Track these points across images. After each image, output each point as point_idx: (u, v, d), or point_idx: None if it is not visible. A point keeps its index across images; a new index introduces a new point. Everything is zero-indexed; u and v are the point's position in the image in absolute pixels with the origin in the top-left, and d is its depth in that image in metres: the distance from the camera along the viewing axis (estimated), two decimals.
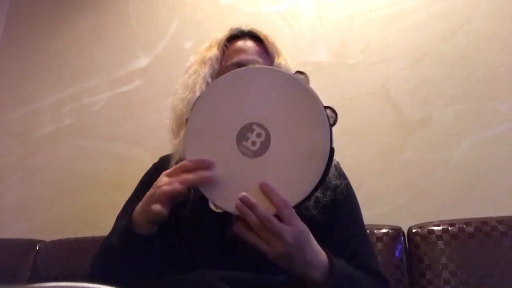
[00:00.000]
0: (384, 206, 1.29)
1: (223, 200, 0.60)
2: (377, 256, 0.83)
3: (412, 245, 1.10)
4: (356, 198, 0.86)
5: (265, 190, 0.58)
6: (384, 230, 1.13)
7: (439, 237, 1.06)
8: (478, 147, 1.24)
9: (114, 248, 0.71)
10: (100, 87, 1.94)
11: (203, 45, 0.91)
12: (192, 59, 0.90)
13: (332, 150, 0.58)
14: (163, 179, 0.64)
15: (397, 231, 1.13)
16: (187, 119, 0.65)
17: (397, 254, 1.09)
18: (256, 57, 0.85)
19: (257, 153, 0.60)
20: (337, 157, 0.88)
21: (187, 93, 0.84)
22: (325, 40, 1.54)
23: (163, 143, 0.90)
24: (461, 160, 1.24)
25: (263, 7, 1.70)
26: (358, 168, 1.30)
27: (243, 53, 0.85)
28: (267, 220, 0.56)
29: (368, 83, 1.42)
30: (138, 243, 0.68)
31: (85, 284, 0.34)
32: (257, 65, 0.67)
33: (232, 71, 0.65)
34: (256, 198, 0.57)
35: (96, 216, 1.67)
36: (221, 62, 0.86)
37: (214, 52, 0.86)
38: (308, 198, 0.59)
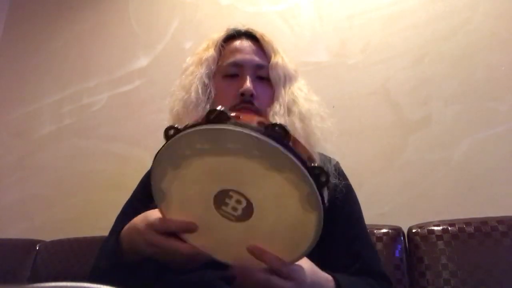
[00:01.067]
0: (384, 206, 1.29)
1: (220, 258, 0.59)
2: (379, 257, 0.82)
3: (412, 245, 1.10)
4: (357, 199, 0.86)
5: (255, 254, 0.55)
6: (384, 230, 1.13)
7: (439, 237, 1.06)
8: (478, 147, 1.24)
9: (104, 271, 0.71)
10: (100, 87, 1.94)
11: (200, 46, 0.91)
12: (189, 60, 0.90)
13: (325, 208, 0.51)
14: (152, 238, 0.60)
15: (397, 231, 1.13)
16: (149, 173, 0.57)
17: (397, 254, 1.09)
18: (252, 57, 0.84)
19: (241, 218, 0.54)
20: (337, 157, 0.88)
21: (183, 93, 0.84)
22: (325, 40, 1.54)
23: (163, 143, 0.90)
24: (461, 160, 1.24)
25: (263, 7, 1.70)
26: (358, 168, 1.30)
27: (239, 53, 0.85)
28: (267, 282, 0.54)
29: (368, 83, 1.42)
30: (128, 266, 0.66)
31: (85, 284, 0.34)
32: (222, 126, 0.49)
33: (194, 130, 0.51)
34: (249, 258, 0.55)
35: (96, 216, 1.66)
36: (217, 62, 0.86)
37: (211, 52, 0.86)
38: (306, 254, 0.56)
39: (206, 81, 0.84)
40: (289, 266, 0.55)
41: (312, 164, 0.49)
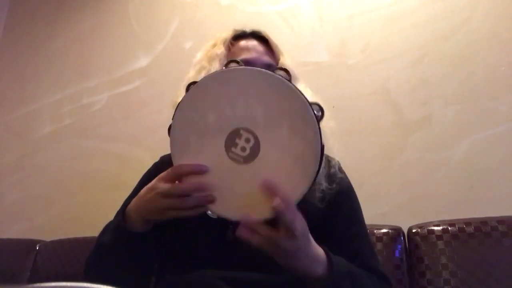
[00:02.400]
0: (384, 206, 1.29)
1: (220, 208, 0.60)
2: (378, 256, 0.83)
3: (412, 245, 1.10)
4: (357, 198, 0.86)
5: (269, 187, 0.56)
6: (384, 230, 1.13)
7: (439, 237, 1.06)
8: (478, 147, 1.24)
9: (107, 245, 0.71)
10: (100, 87, 1.94)
11: (207, 44, 0.91)
12: (199, 56, 0.90)
13: (322, 147, 0.57)
14: (161, 186, 0.62)
15: (397, 231, 1.13)
16: (169, 128, 0.63)
17: (397, 254, 1.09)
18: (261, 55, 0.85)
19: (248, 159, 0.58)
20: (337, 157, 0.88)
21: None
22: (325, 40, 1.54)
23: (163, 143, 0.89)
24: (461, 160, 1.24)
25: (263, 7, 1.70)
26: (358, 168, 1.30)
27: (248, 52, 0.86)
28: (290, 203, 0.55)
29: (368, 83, 1.42)
30: (131, 241, 0.68)
31: (85, 284, 0.34)
32: (236, 66, 0.61)
33: (208, 75, 0.62)
34: (254, 202, 0.56)
35: (96, 216, 1.65)
36: (228, 59, 0.87)
37: (221, 49, 0.86)
38: (303, 196, 0.58)
39: None
40: (294, 205, 0.56)
41: (312, 102, 0.58)
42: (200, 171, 0.59)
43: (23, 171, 1.99)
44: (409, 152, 1.31)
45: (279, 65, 0.85)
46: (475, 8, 1.35)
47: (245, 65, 0.83)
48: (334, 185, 0.79)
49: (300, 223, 0.56)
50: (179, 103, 0.62)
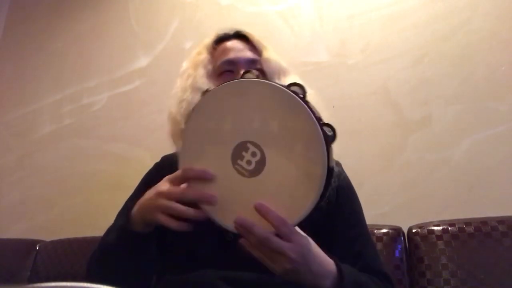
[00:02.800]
0: (384, 206, 1.29)
1: (221, 219, 0.60)
2: (380, 257, 0.83)
3: (412, 245, 1.10)
4: (358, 199, 0.86)
5: (261, 211, 0.56)
6: (384, 230, 1.13)
7: (439, 237, 1.06)
8: (478, 147, 1.24)
9: (111, 245, 0.72)
10: (100, 87, 1.94)
11: (194, 52, 0.92)
12: (185, 65, 0.91)
13: (330, 169, 0.56)
14: (164, 187, 0.63)
15: (397, 231, 1.13)
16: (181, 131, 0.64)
17: (397, 254, 1.09)
18: (244, 53, 0.86)
19: (253, 173, 0.58)
20: (336, 157, 0.88)
21: (181, 94, 0.85)
22: (325, 40, 1.54)
23: (163, 143, 0.90)
24: (461, 160, 1.24)
25: (263, 7, 1.70)
26: (358, 168, 1.30)
27: (230, 51, 0.86)
28: (266, 240, 0.55)
29: (368, 83, 1.42)
30: (134, 241, 0.68)
31: (85, 284, 0.34)
32: (250, 78, 0.61)
33: (224, 84, 0.61)
34: (254, 217, 0.56)
35: (96, 216, 1.67)
36: (212, 64, 0.87)
37: (204, 55, 0.88)
38: (307, 217, 0.57)
39: (205, 80, 0.84)
40: (291, 227, 0.57)
41: (322, 121, 0.56)
42: (205, 177, 0.60)
43: (23, 171, 1.99)
44: (409, 152, 1.31)
45: (263, 58, 0.85)
46: (475, 8, 1.35)
47: (228, 64, 0.85)
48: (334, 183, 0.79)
49: (292, 249, 0.56)
50: (194, 108, 0.62)
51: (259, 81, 0.60)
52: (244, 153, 0.58)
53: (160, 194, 0.62)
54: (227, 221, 0.59)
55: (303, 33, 1.59)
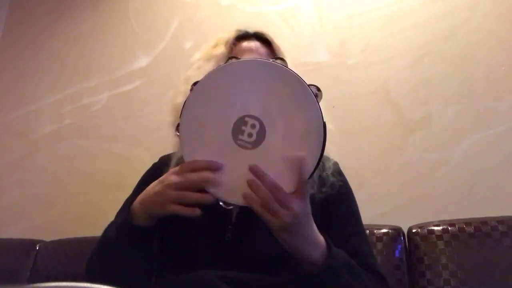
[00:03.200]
0: (384, 206, 1.29)
1: (230, 194, 0.61)
2: (375, 257, 0.83)
3: (412, 245, 1.10)
4: (354, 198, 0.86)
5: (256, 174, 0.58)
6: (384, 230, 1.13)
7: (439, 237, 1.06)
8: (478, 147, 1.24)
9: (111, 240, 0.72)
10: (100, 87, 1.94)
11: (208, 43, 0.91)
12: (197, 55, 0.90)
13: (324, 125, 0.60)
14: (172, 179, 0.63)
15: (397, 231, 1.13)
16: (177, 125, 0.65)
17: (397, 254, 1.09)
18: (263, 58, 0.84)
19: (256, 143, 0.60)
20: (336, 157, 0.88)
21: (186, 86, 0.84)
22: (325, 40, 1.54)
23: (163, 143, 0.90)
24: (461, 160, 1.24)
25: (263, 7, 1.70)
26: (358, 168, 1.30)
27: (251, 53, 0.85)
28: (276, 189, 0.57)
29: (368, 83, 1.42)
30: (135, 235, 0.68)
31: (85, 284, 0.34)
32: (237, 60, 0.65)
33: (210, 71, 0.65)
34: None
35: (96, 216, 1.66)
36: (227, 61, 0.86)
37: (221, 50, 0.86)
38: (312, 174, 0.60)
39: None
40: (287, 195, 0.58)
41: (309, 84, 0.61)
42: (215, 167, 0.61)
43: (23, 171, 1.99)
44: (409, 152, 1.31)
45: (285, 64, 0.85)
46: (475, 8, 1.35)
47: (229, 59, 0.85)
48: (324, 189, 0.79)
49: (298, 203, 0.58)
50: (185, 102, 0.64)
51: (242, 60, 0.65)
52: (243, 127, 0.61)
53: (169, 186, 0.63)
54: (235, 197, 0.61)
55: (303, 33, 1.59)
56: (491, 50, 1.30)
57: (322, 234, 0.65)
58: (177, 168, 0.64)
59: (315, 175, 0.71)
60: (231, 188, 0.61)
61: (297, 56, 1.53)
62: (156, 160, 0.95)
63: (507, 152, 1.20)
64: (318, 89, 0.62)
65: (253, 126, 0.61)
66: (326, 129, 0.60)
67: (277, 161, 0.60)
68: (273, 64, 0.62)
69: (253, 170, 0.58)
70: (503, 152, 1.21)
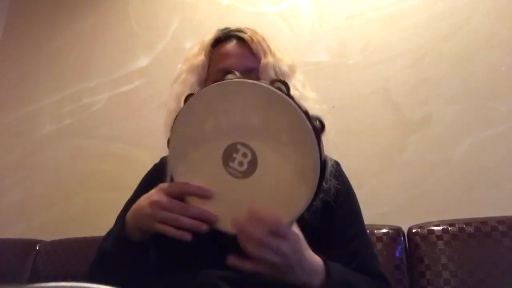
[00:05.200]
0: (384, 206, 1.29)
1: (221, 225, 0.60)
2: (378, 257, 0.82)
3: (412, 245, 1.10)
4: (355, 197, 0.86)
5: (254, 215, 0.56)
6: (384, 230, 1.13)
7: (439, 237, 1.06)
8: (478, 147, 1.24)
9: (108, 254, 0.71)
10: (100, 87, 1.94)
11: (190, 50, 0.89)
12: (180, 67, 0.88)
13: (323, 162, 0.56)
14: (161, 198, 0.61)
15: (397, 231, 1.13)
16: (168, 140, 0.63)
17: (397, 254, 1.09)
18: (241, 61, 0.82)
19: (246, 174, 0.57)
20: (335, 157, 0.88)
21: (175, 105, 0.84)
22: (325, 40, 1.54)
23: (163, 143, 0.90)
24: (461, 160, 1.24)
25: (263, 7, 1.70)
26: (358, 168, 1.30)
27: (228, 58, 0.83)
28: (260, 240, 0.55)
29: (368, 83, 1.42)
30: (130, 249, 0.67)
31: (85, 284, 0.34)
32: (232, 79, 0.60)
33: (205, 89, 0.61)
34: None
35: (96, 216, 1.66)
36: (208, 68, 0.85)
37: (201, 58, 0.85)
38: (303, 212, 0.57)
39: (198, 89, 0.83)
40: (287, 227, 0.57)
41: (310, 114, 0.55)
42: (204, 195, 0.59)
43: (23, 171, 1.99)
44: (409, 152, 1.31)
45: (260, 66, 0.81)
46: (475, 8, 1.35)
47: (225, 73, 0.79)
48: (322, 194, 0.78)
49: (287, 246, 0.56)
50: (177, 116, 0.61)
51: (241, 81, 0.59)
52: (235, 155, 0.58)
53: (155, 204, 0.61)
54: (225, 224, 0.59)
55: (303, 33, 1.59)
56: (491, 50, 1.30)
57: (318, 255, 0.64)
58: (166, 186, 0.62)
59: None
60: (221, 215, 0.59)
61: (297, 56, 1.52)
62: (157, 160, 0.95)
63: (507, 152, 1.20)
64: (320, 121, 0.57)
65: (244, 155, 0.57)
66: (325, 166, 0.56)
67: (266, 196, 0.57)
68: (273, 92, 0.56)
69: (250, 213, 0.56)
70: (503, 152, 1.21)
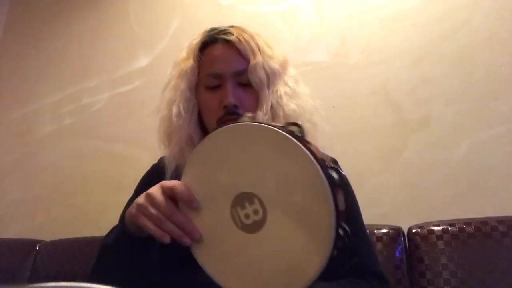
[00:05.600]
0: (384, 206, 1.29)
1: (213, 271, 0.57)
2: (377, 256, 0.82)
3: (412, 245, 1.10)
4: (355, 197, 0.85)
5: None
6: (384, 230, 1.13)
7: (439, 237, 1.06)
8: (478, 147, 1.24)
9: (110, 247, 0.71)
10: (100, 87, 1.94)
11: (181, 54, 0.89)
12: (170, 72, 0.88)
13: (340, 214, 0.49)
14: (157, 198, 0.60)
15: (397, 231, 1.13)
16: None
17: (397, 254, 1.09)
18: (230, 64, 0.81)
19: (246, 229, 0.53)
20: (336, 157, 0.88)
21: (167, 111, 0.84)
22: (325, 40, 1.54)
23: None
24: (461, 160, 1.24)
25: (263, 7, 1.70)
26: (358, 168, 1.30)
27: (216, 62, 0.81)
28: None
29: (368, 83, 1.42)
30: (131, 243, 0.67)
31: (85, 284, 0.34)
32: (247, 122, 0.56)
33: (222, 128, 0.56)
34: (246, 272, 0.54)
35: (96, 216, 1.67)
36: (198, 72, 0.84)
37: (190, 63, 0.84)
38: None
39: (189, 94, 0.82)
40: None
41: (327, 164, 0.49)
42: (191, 203, 0.57)
43: (23, 171, 1.99)
44: (409, 152, 1.31)
45: (249, 68, 0.79)
46: (475, 8, 1.35)
47: (214, 77, 0.79)
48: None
49: None
50: (190, 156, 0.59)
51: (257, 125, 0.53)
52: (247, 204, 0.53)
53: (149, 197, 0.60)
54: (218, 277, 0.57)
55: (303, 33, 1.59)
56: (491, 50, 1.30)
57: None
58: (167, 183, 0.60)
59: None
60: (214, 264, 0.57)
61: (297, 56, 1.53)
62: (156, 161, 0.95)
63: (507, 152, 1.20)
64: (339, 172, 0.50)
65: (256, 212, 0.52)
66: (339, 218, 0.48)
67: (268, 257, 0.52)
68: (288, 139, 0.49)
69: None
70: (503, 152, 1.21)
